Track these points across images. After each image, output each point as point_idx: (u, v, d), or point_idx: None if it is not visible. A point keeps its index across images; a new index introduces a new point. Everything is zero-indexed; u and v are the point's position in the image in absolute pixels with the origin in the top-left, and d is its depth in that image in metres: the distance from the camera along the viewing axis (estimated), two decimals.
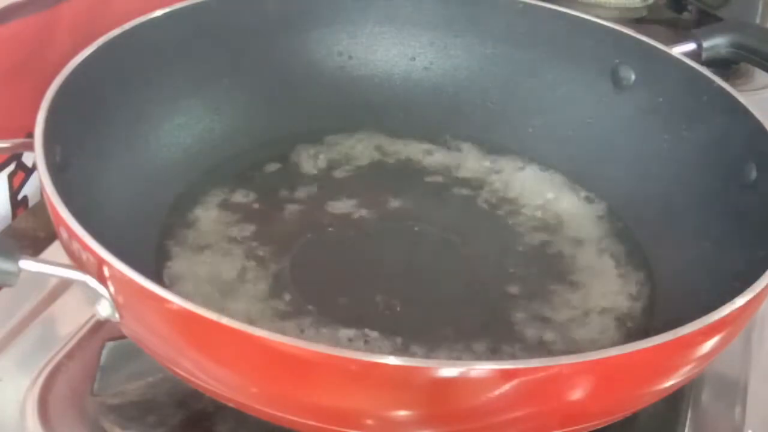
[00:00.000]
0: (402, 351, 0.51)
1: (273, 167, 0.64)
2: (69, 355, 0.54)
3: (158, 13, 0.60)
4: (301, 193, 0.62)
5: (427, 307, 0.55)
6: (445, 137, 0.67)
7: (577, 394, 0.41)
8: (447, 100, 0.68)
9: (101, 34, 0.56)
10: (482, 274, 0.58)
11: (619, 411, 0.45)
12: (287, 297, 0.54)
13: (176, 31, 0.61)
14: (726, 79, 0.59)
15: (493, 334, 0.53)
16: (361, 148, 0.66)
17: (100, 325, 0.55)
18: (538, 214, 0.62)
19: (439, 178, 0.65)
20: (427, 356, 0.50)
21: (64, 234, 0.45)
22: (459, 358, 0.51)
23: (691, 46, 0.63)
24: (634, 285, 0.57)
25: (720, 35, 0.64)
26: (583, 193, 0.64)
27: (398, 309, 0.54)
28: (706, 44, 0.63)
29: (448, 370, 0.39)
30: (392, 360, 0.39)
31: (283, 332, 0.40)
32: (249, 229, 0.58)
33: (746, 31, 0.65)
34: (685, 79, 0.60)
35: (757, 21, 0.93)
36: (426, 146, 0.67)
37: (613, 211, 0.62)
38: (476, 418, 0.41)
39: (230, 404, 0.45)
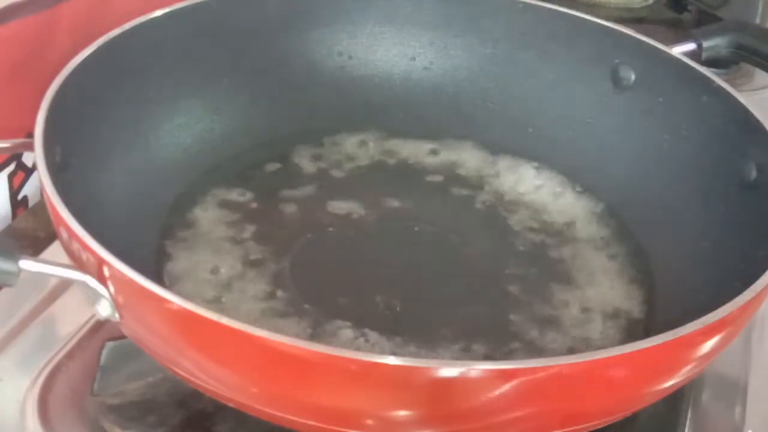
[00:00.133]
0: (402, 351, 0.51)
1: (273, 167, 0.64)
2: (69, 355, 0.54)
3: (158, 13, 0.60)
4: (301, 193, 0.62)
5: (427, 307, 0.55)
6: (445, 137, 0.67)
7: (577, 394, 0.41)
8: (447, 100, 0.68)
9: (101, 34, 0.56)
10: (482, 274, 0.58)
11: (619, 411, 0.45)
12: (287, 297, 0.54)
13: (176, 31, 0.61)
14: (726, 79, 0.59)
15: (493, 334, 0.53)
16: (361, 148, 0.66)
17: (100, 325, 0.55)
18: (538, 213, 0.62)
19: (439, 178, 0.65)
20: (427, 356, 0.50)
21: (64, 234, 0.45)
22: (459, 358, 0.51)
23: (691, 46, 0.63)
24: (633, 285, 0.57)
25: (720, 35, 0.64)
26: (583, 193, 0.64)
27: (398, 309, 0.54)
28: (706, 44, 0.63)
29: (448, 370, 0.39)
30: (392, 360, 0.39)
31: (283, 332, 0.40)
32: (249, 229, 0.58)
33: (746, 31, 0.65)
34: (685, 79, 0.60)
35: (757, 21, 0.93)
36: (426, 146, 0.67)
37: (613, 211, 0.62)
38: (476, 418, 0.41)
39: (230, 404, 0.45)
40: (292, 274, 0.55)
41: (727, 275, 0.50)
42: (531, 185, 0.64)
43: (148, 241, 0.56)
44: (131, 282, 0.41)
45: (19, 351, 0.54)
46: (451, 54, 0.68)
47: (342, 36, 0.68)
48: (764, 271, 0.45)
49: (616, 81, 0.64)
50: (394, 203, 0.62)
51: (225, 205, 0.60)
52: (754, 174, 0.55)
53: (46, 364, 0.53)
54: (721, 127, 0.58)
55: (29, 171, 0.66)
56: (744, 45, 0.64)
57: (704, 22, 0.89)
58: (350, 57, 0.68)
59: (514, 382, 0.40)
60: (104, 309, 0.44)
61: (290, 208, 0.61)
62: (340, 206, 0.61)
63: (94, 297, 0.43)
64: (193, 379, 0.45)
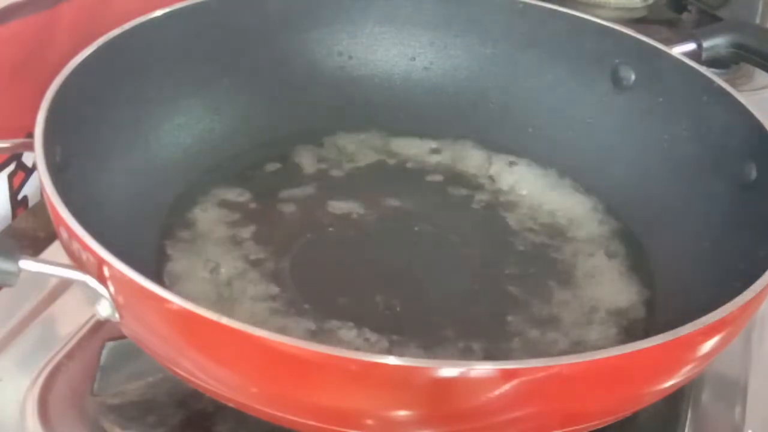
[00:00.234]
0: (402, 351, 0.51)
1: (273, 167, 0.64)
2: (69, 355, 0.54)
3: (158, 13, 0.60)
4: (301, 193, 0.62)
5: (427, 307, 0.55)
6: (445, 137, 0.67)
7: (577, 394, 0.41)
8: (447, 100, 0.68)
9: (101, 34, 0.56)
10: (482, 274, 0.58)
11: (619, 411, 0.45)
12: (287, 297, 0.54)
13: (176, 31, 0.61)
14: (726, 79, 0.59)
15: (493, 333, 0.53)
16: (361, 148, 0.66)
17: (100, 325, 0.55)
18: (538, 213, 0.62)
19: (439, 178, 0.65)
20: (427, 356, 0.50)
21: (64, 234, 0.45)
22: (459, 358, 0.51)
23: (691, 46, 0.63)
24: (633, 285, 0.57)
25: (720, 35, 0.64)
26: (582, 193, 0.64)
27: (398, 309, 0.54)
28: (706, 44, 0.63)
29: (448, 370, 0.39)
30: (392, 360, 0.39)
31: (283, 332, 0.40)
32: (249, 229, 0.58)
33: (746, 31, 0.65)
34: (685, 79, 0.60)
35: (757, 21, 0.93)
36: (426, 146, 0.67)
37: (613, 211, 0.62)
38: (476, 418, 0.41)
39: (230, 404, 0.45)
40: (292, 274, 0.55)
41: (727, 275, 0.50)
42: (531, 185, 0.64)
43: (148, 241, 0.56)
44: (131, 282, 0.41)
45: (19, 351, 0.54)
46: (451, 54, 0.68)
47: (342, 36, 0.68)
48: (764, 271, 0.45)
49: (616, 81, 0.64)
50: (394, 203, 0.62)
51: (225, 205, 0.60)
52: (754, 174, 0.55)
53: (46, 364, 0.53)
54: (721, 127, 0.58)
55: (29, 171, 0.66)
56: (744, 45, 0.64)
57: (704, 22, 0.90)
58: (350, 57, 0.68)
59: (514, 382, 0.40)
60: (104, 309, 0.44)
61: (290, 208, 0.61)
62: (340, 206, 0.61)
63: (94, 297, 0.43)
64: (193, 379, 0.45)
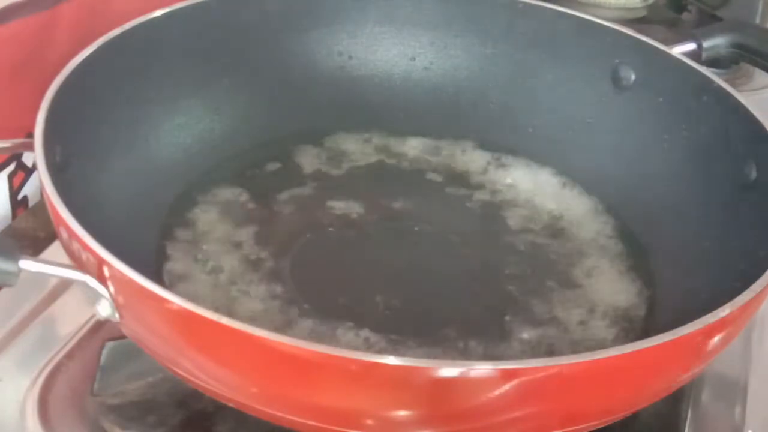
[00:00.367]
0: (402, 351, 0.51)
1: (273, 167, 0.64)
2: (69, 355, 0.54)
3: (158, 13, 0.60)
4: (301, 192, 0.62)
5: (427, 307, 0.55)
6: (445, 137, 0.67)
7: (577, 394, 0.41)
8: (447, 100, 0.68)
9: (101, 34, 0.56)
10: (482, 274, 0.58)
11: (619, 411, 0.45)
12: (287, 297, 0.54)
13: (176, 31, 0.61)
14: (726, 79, 0.59)
15: (493, 333, 0.53)
16: (361, 148, 0.66)
17: (100, 325, 0.55)
18: (538, 213, 0.62)
19: (439, 178, 0.65)
20: (427, 356, 0.50)
21: (64, 234, 0.45)
22: (458, 358, 0.51)
23: (691, 46, 0.63)
24: (633, 284, 0.57)
25: (720, 35, 0.64)
26: (582, 193, 0.64)
27: (398, 309, 0.54)
28: (706, 44, 0.63)
29: (448, 370, 0.39)
30: (392, 360, 0.39)
31: (283, 332, 0.40)
32: (249, 229, 0.58)
33: (746, 31, 0.65)
34: (685, 79, 0.60)
35: (757, 21, 0.93)
36: (426, 146, 0.67)
37: (613, 211, 0.62)
38: (476, 418, 0.41)
39: (230, 404, 0.45)
40: (292, 274, 0.55)
41: (727, 275, 0.50)
42: (531, 185, 0.64)
43: (148, 241, 0.56)
44: (131, 282, 0.41)
45: (19, 351, 0.54)
46: (451, 54, 0.68)
47: (342, 36, 0.68)
48: (764, 271, 0.45)
49: (616, 81, 0.64)
50: (394, 203, 0.62)
51: (225, 205, 0.60)
52: (754, 174, 0.55)
53: (46, 364, 0.53)
54: (721, 127, 0.58)
55: (29, 171, 0.66)
56: (744, 45, 0.64)
57: (704, 22, 0.90)
58: (350, 57, 0.68)
59: (514, 382, 0.40)
60: (104, 309, 0.44)
61: (290, 208, 0.61)
62: (340, 206, 0.61)
63: (94, 297, 0.43)
64: (193, 379, 0.45)
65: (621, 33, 0.63)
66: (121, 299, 0.43)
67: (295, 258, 0.57)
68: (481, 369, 0.39)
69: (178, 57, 0.61)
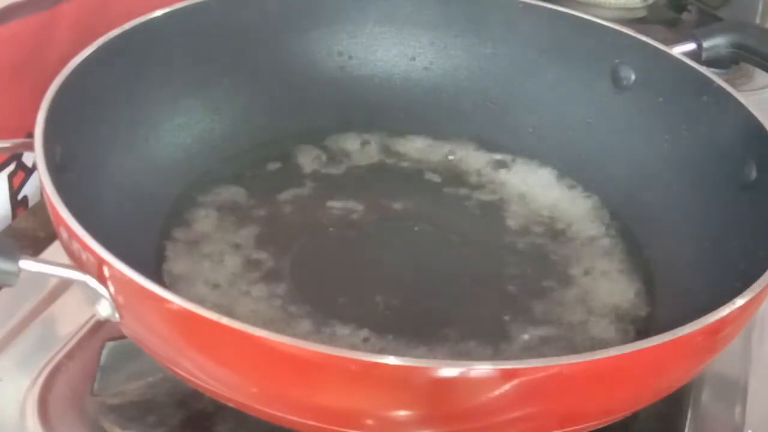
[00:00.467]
0: (402, 351, 0.51)
1: (273, 167, 0.64)
2: (69, 355, 0.54)
3: (158, 13, 0.60)
4: (301, 193, 0.62)
5: (427, 307, 0.55)
6: (445, 137, 0.67)
7: (577, 394, 0.41)
8: (447, 100, 0.68)
9: (101, 34, 0.56)
10: (482, 274, 0.58)
11: (619, 411, 0.45)
12: (287, 297, 0.54)
13: (176, 31, 0.61)
14: (726, 79, 0.59)
15: (493, 333, 0.53)
16: (361, 148, 0.66)
17: (100, 325, 0.55)
18: (538, 213, 0.62)
19: (438, 178, 0.65)
20: (427, 356, 0.50)
21: (64, 234, 0.45)
22: (458, 358, 0.51)
23: (691, 46, 0.63)
24: (633, 285, 0.57)
25: (720, 35, 0.64)
26: (582, 193, 0.64)
27: (398, 309, 0.54)
28: (706, 44, 0.63)
29: (448, 370, 0.39)
30: (392, 360, 0.39)
31: (283, 332, 0.40)
32: (249, 229, 0.58)
33: (746, 31, 0.65)
34: (685, 79, 0.60)
35: (757, 21, 0.93)
36: (426, 146, 0.67)
37: (613, 211, 0.62)
38: (476, 418, 0.41)
39: (230, 404, 0.45)
40: (292, 275, 0.55)
41: (727, 275, 0.50)
42: (530, 185, 0.64)
43: (148, 241, 0.56)
44: (131, 282, 0.41)
45: (19, 351, 0.54)
46: (451, 54, 0.68)
47: (342, 36, 0.68)
48: (764, 271, 0.45)
49: (616, 81, 0.64)
50: (394, 203, 0.62)
51: (225, 205, 0.60)
52: (754, 174, 0.55)
53: (46, 364, 0.53)
54: (721, 127, 0.58)
55: (29, 171, 0.66)
56: (744, 45, 0.64)
57: (704, 22, 0.90)
58: (350, 57, 0.68)
59: (514, 382, 0.40)
60: (104, 309, 0.44)
61: (290, 208, 0.61)
62: (340, 206, 0.61)
63: (94, 297, 0.43)
64: (193, 379, 0.45)
65: (621, 33, 0.63)
66: (121, 299, 0.43)
67: (295, 258, 0.57)
68: (481, 369, 0.39)
69: (178, 57, 0.61)
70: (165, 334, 0.43)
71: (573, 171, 0.65)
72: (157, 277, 0.54)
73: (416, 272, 0.58)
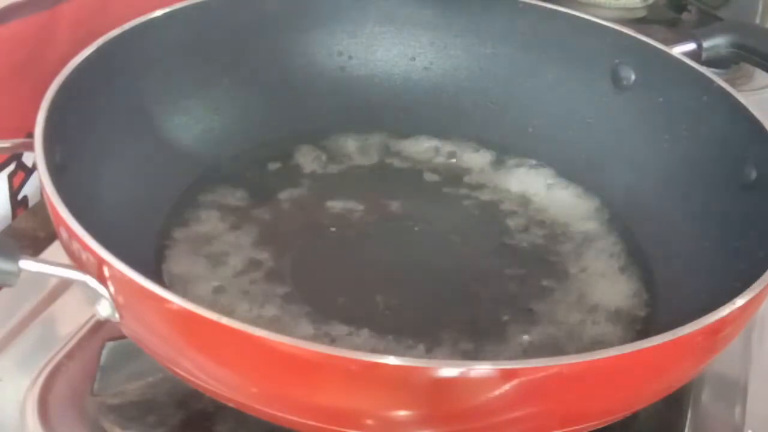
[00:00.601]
0: (401, 351, 0.51)
1: (273, 167, 0.64)
2: (69, 355, 0.54)
3: (158, 13, 0.60)
4: (301, 193, 0.62)
5: (427, 307, 0.55)
6: (446, 137, 0.67)
7: (577, 394, 0.41)
8: (447, 100, 0.68)
9: (101, 34, 0.56)
10: (482, 274, 0.58)
11: (619, 411, 0.45)
12: (287, 297, 0.54)
13: (176, 31, 0.61)
14: (726, 79, 0.59)
15: (493, 333, 0.53)
16: (361, 149, 0.66)
17: (100, 325, 0.55)
18: (538, 213, 0.62)
19: (439, 178, 0.65)
20: (426, 356, 0.50)
21: (64, 234, 0.45)
22: (458, 358, 0.51)
23: (691, 46, 0.63)
24: (633, 285, 0.57)
25: (720, 35, 0.64)
26: (582, 193, 0.64)
27: (398, 309, 0.54)
28: (706, 44, 0.63)
29: (448, 370, 0.39)
30: (392, 360, 0.39)
31: (283, 332, 0.40)
32: (249, 229, 0.58)
33: (746, 31, 0.65)
34: (685, 79, 0.60)
35: (757, 21, 0.93)
36: (426, 146, 0.67)
37: (613, 211, 0.62)
38: (476, 418, 0.41)
39: (230, 404, 0.45)
40: (292, 275, 0.55)
41: (727, 275, 0.50)
42: (531, 185, 0.64)
43: (148, 241, 0.56)
44: (131, 282, 0.41)
45: (19, 351, 0.54)
46: (451, 54, 0.68)
47: (342, 36, 0.68)
48: (764, 271, 0.45)
49: (616, 81, 0.64)
50: (394, 203, 0.62)
51: (225, 205, 0.60)
52: (754, 174, 0.55)
53: (46, 364, 0.53)
54: (721, 127, 0.58)
55: (29, 171, 0.66)
56: (744, 45, 0.64)
57: (704, 22, 0.89)
58: (350, 57, 0.68)
59: (514, 382, 0.40)
60: (104, 309, 0.44)
61: (290, 208, 0.61)
62: (339, 206, 0.61)
63: (94, 297, 0.43)
64: (193, 379, 0.45)
65: (621, 33, 0.63)
66: (121, 299, 0.43)
67: (295, 258, 0.57)
68: (481, 369, 0.39)
69: (178, 57, 0.61)
70: (165, 334, 0.43)
71: (573, 171, 0.65)
72: (157, 277, 0.54)
73: (416, 272, 0.58)
